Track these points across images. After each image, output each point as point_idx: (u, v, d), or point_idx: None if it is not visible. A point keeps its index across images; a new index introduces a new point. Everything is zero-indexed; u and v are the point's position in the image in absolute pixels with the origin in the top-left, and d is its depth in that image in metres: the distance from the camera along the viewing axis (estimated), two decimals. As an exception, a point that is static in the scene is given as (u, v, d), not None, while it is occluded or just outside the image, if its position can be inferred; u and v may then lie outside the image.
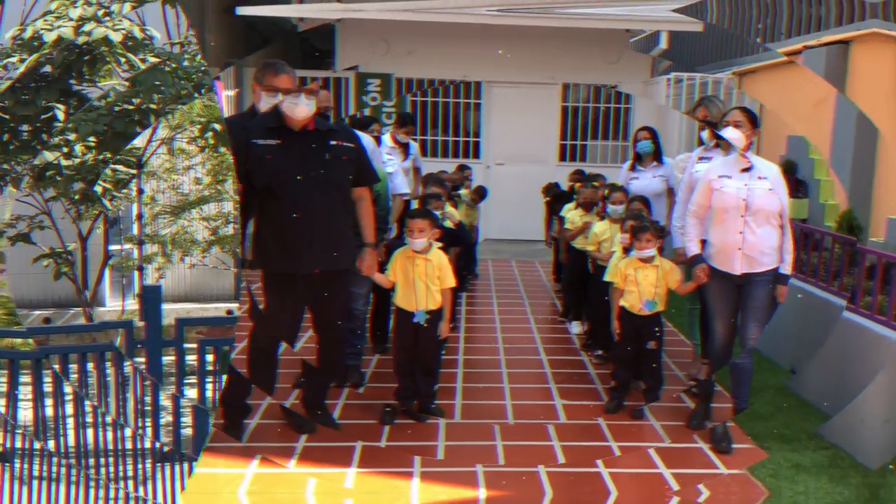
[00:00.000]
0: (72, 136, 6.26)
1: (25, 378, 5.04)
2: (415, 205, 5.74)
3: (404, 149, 6.37)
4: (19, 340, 5.76)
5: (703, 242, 4.44)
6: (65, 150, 6.26)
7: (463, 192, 7.70)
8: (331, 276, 4.10)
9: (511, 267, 9.15)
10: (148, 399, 5.14)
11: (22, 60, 6.11)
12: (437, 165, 8.00)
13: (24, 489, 4.81)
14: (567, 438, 4.40)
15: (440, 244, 4.57)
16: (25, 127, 6.34)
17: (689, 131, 8.89)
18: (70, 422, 5.03)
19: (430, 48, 9.70)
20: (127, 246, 6.66)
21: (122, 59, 6.29)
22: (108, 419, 5.04)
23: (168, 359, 5.23)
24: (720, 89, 9.05)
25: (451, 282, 4.52)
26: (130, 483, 4.89)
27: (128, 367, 5.13)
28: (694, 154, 4.97)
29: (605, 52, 9.77)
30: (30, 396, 5.00)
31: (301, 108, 3.94)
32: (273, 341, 4.25)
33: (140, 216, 6.59)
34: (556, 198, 7.62)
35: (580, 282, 6.00)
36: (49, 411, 5.00)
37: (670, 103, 9.63)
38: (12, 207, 6.27)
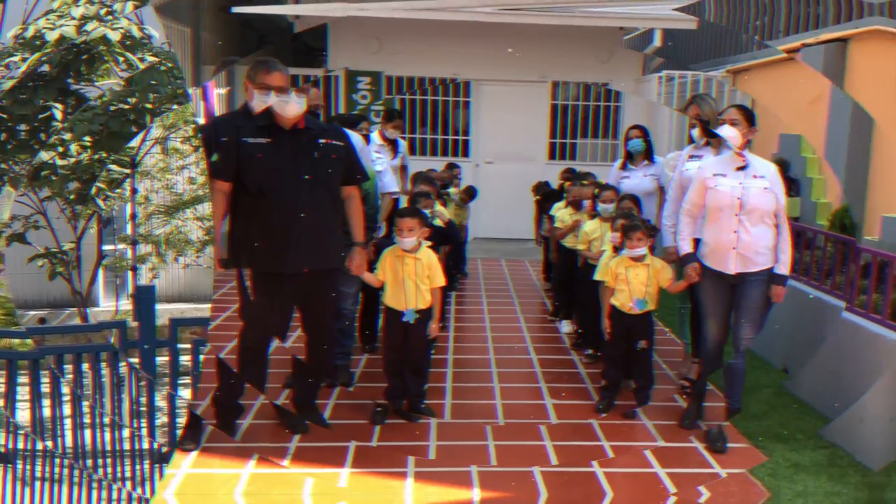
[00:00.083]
0: (67, 136, 6.27)
1: (23, 379, 5.06)
2: (404, 203, 5.72)
3: (393, 146, 6.33)
4: (17, 341, 5.77)
5: (697, 241, 4.44)
6: (60, 149, 6.27)
7: (452, 190, 7.69)
8: (319, 275, 4.11)
9: (501, 266, 9.14)
10: (143, 399, 5.15)
11: (24, 59, 6.11)
12: (426, 164, 7.97)
13: (27, 490, 4.84)
14: (559, 438, 4.40)
15: (429, 243, 4.57)
16: (23, 126, 6.35)
17: (679, 129, 8.89)
18: (68, 422, 5.05)
19: (421, 46, 9.67)
20: (121, 246, 6.67)
21: (121, 59, 6.29)
22: (106, 420, 5.05)
23: (162, 359, 5.24)
24: (712, 87, 9.04)
25: (440, 281, 4.52)
26: (129, 483, 4.91)
27: (123, 368, 5.15)
28: (684, 152, 4.96)
29: (598, 50, 9.74)
30: (27, 397, 5.02)
31: (292, 107, 3.94)
32: (263, 341, 4.25)
33: (134, 216, 6.60)
34: (546, 196, 7.60)
35: (570, 281, 6.00)
36: (47, 412, 5.01)
37: (662, 101, 9.62)
38: (11, 207, 6.28)
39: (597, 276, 4.94)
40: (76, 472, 4.93)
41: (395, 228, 4.48)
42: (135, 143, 6.45)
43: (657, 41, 9.53)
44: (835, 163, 6.57)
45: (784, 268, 4.25)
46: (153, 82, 6.31)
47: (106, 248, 6.55)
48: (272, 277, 4.04)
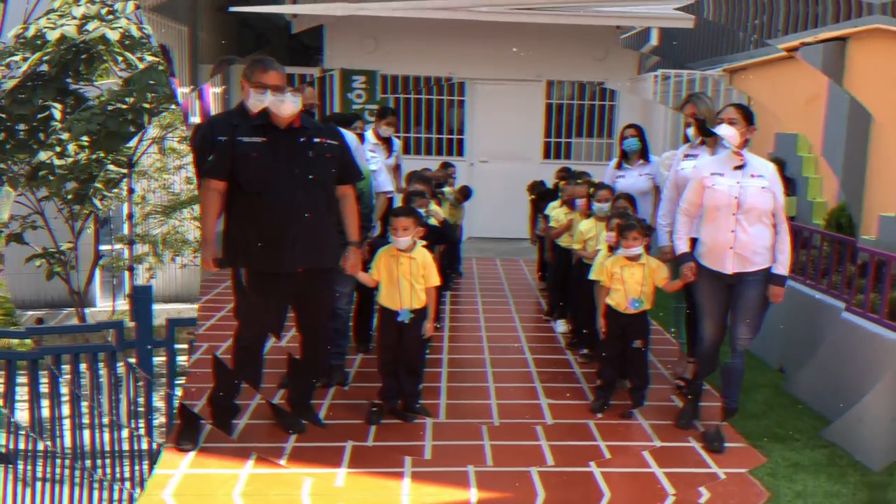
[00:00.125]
0: (65, 136, 6.26)
1: (22, 379, 5.05)
2: (398, 202, 5.72)
3: (387, 145, 6.30)
4: (16, 341, 5.77)
5: (693, 241, 4.44)
6: (58, 149, 6.26)
7: (447, 189, 7.69)
8: (315, 274, 4.11)
9: (496, 265, 9.14)
10: (141, 399, 5.16)
11: (25, 59, 6.10)
12: (420, 163, 7.94)
13: (28, 490, 4.84)
14: (554, 438, 4.40)
15: (424, 242, 4.56)
16: (22, 126, 6.34)
17: (674, 128, 8.89)
18: (67, 423, 5.05)
19: (416, 45, 9.67)
20: (117, 246, 6.66)
21: (120, 58, 6.28)
22: (105, 420, 5.06)
23: (159, 359, 5.25)
24: (708, 86, 9.05)
25: (435, 280, 4.52)
26: (128, 484, 4.91)
27: (121, 368, 5.15)
28: (679, 151, 4.96)
29: (593, 48, 9.75)
30: (26, 397, 5.02)
31: (287, 105, 3.95)
32: (258, 341, 4.25)
33: (131, 216, 6.59)
34: (540, 196, 7.62)
35: (565, 280, 6.00)
36: (45, 412, 5.01)
37: (657, 100, 9.62)
38: (10, 207, 6.27)
39: (592, 276, 4.95)
40: (77, 473, 4.93)
41: (389, 228, 4.47)
42: (132, 142, 6.45)
43: (654, 40, 9.53)
44: (832, 162, 6.57)
45: (782, 268, 4.23)
46: (151, 82, 6.30)
47: (103, 248, 6.54)
48: (267, 277, 4.04)
